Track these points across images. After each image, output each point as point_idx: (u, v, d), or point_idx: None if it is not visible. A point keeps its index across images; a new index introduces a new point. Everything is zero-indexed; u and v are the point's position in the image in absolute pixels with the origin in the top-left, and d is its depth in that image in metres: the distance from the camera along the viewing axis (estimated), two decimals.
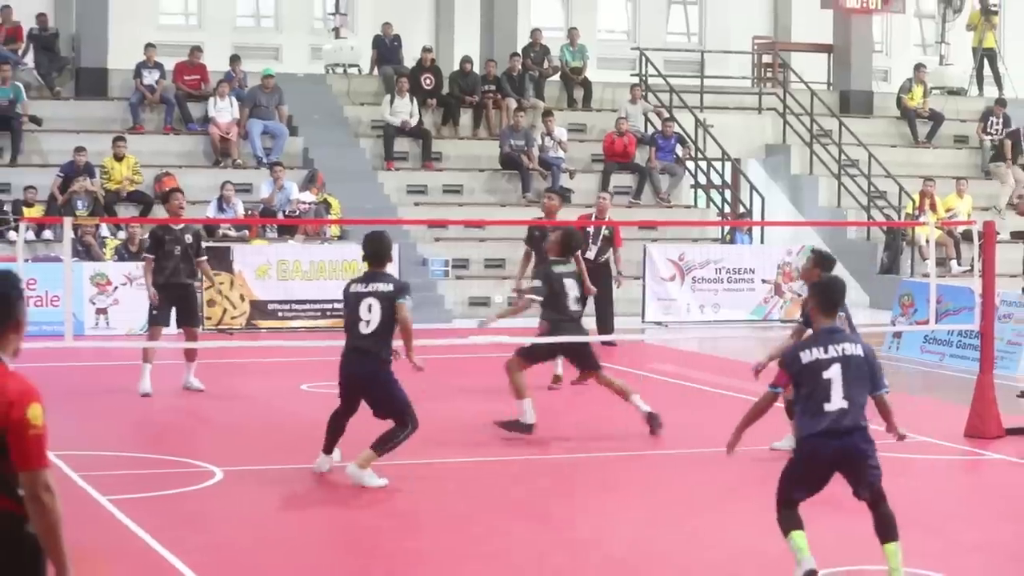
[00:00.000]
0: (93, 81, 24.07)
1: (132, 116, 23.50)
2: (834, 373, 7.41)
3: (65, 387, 14.09)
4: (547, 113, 24.72)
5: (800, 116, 26.56)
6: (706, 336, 20.45)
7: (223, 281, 19.17)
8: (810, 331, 9.82)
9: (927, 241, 18.00)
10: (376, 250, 10.24)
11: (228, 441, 12.25)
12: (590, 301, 17.76)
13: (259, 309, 19.83)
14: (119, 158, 21.87)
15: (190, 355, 14.46)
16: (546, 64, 26.33)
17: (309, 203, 21.94)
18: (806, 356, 7.48)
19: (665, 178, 24.89)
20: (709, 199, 25.64)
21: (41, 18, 24.32)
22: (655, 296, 21.29)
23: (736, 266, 21.72)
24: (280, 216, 21.62)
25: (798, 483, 7.57)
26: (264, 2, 30.01)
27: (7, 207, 20.80)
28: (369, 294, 10.00)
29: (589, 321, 17.76)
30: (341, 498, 10.00)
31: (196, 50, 24.48)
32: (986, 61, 29.09)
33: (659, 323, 21.11)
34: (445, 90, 25.30)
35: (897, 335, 17.70)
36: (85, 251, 19.98)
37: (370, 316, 9.87)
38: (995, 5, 29.49)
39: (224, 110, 23.43)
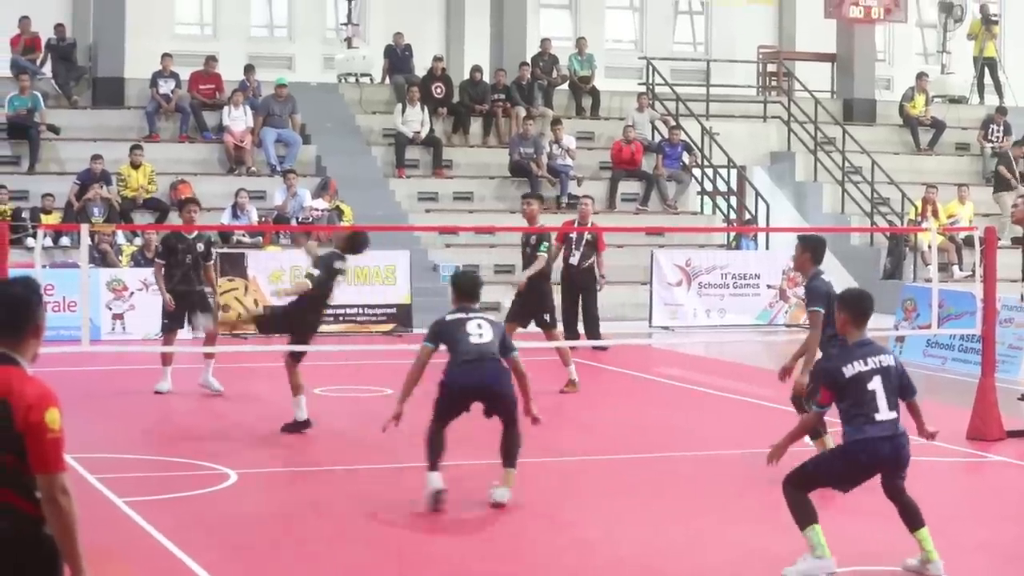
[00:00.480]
0: (110, 90, 24.30)
1: (148, 125, 23.72)
2: (877, 384, 7.74)
3: (82, 391, 14.16)
4: (556, 121, 24.94)
5: (804, 124, 26.72)
6: (712, 340, 20.53)
7: (236, 287, 19.40)
8: (816, 309, 10.04)
9: (929, 247, 18.17)
10: (471, 287, 10.13)
11: (242, 444, 12.30)
12: (580, 306, 18.03)
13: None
14: (136, 166, 22.10)
15: (208, 353, 14.67)
16: (555, 73, 26.52)
17: (322, 210, 22.17)
18: (849, 370, 7.74)
19: (672, 185, 25.13)
20: (715, 206, 25.86)
21: (59, 28, 24.53)
22: (662, 301, 21.50)
23: (742, 271, 21.89)
24: (293, 223, 21.79)
25: (839, 480, 7.94)
26: (278, 12, 30.23)
27: (25, 214, 20.94)
28: (473, 317, 9.82)
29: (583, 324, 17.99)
30: (354, 500, 10.05)
31: (211, 60, 24.68)
32: (987, 70, 29.22)
33: (666, 328, 21.30)
34: (455, 99, 25.51)
35: (900, 339, 17.81)
36: (101, 258, 20.17)
37: (480, 331, 9.70)
38: (995, 15, 29.68)
39: (238, 119, 23.68)
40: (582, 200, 18.47)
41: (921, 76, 28.18)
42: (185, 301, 14.61)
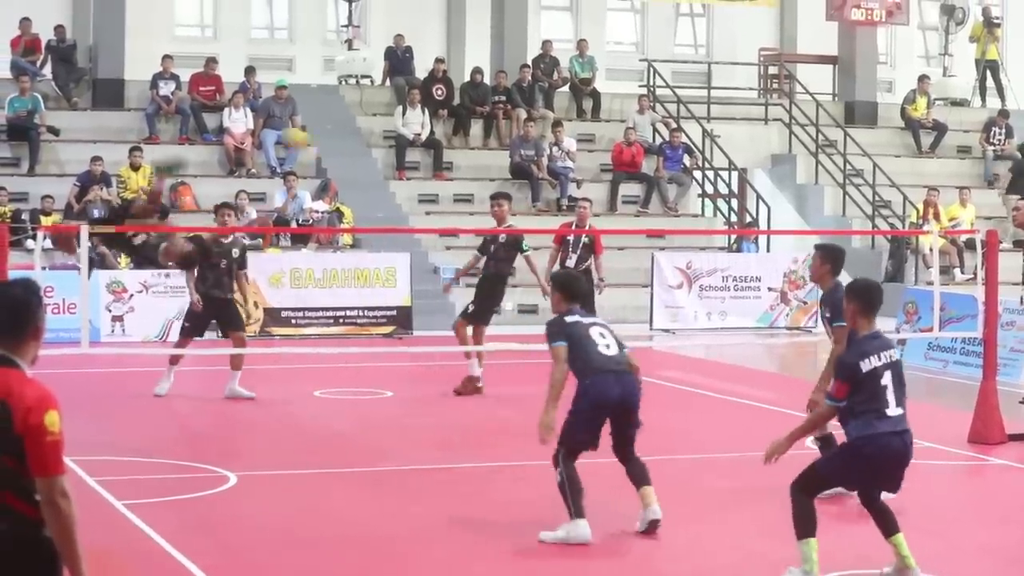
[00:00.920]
0: (110, 92, 24.31)
1: (148, 126, 23.72)
2: (888, 379, 7.56)
3: (81, 393, 14.13)
4: (556, 123, 24.94)
5: (806, 126, 26.73)
6: (713, 343, 20.51)
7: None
8: (842, 324, 9.35)
9: (931, 250, 18.15)
10: (579, 289, 9.55)
11: (242, 446, 12.30)
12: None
13: (273, 316, 19.99)
14: (135, 168, 22.11)
15: (236, 363, 14.28)
16: (555, 75, 26.53)
17: (322, 212, 22.19)
18: (865, 365, 7.51)
19: (673, 187, 25.12)
20: (716, 208, 25.86)
21: (59, 30, 24.54)
22: (663, 303, 21.50)
23: (743, 274, 21.89)
24: (293, 225, 21.83)
25: (849, 478, 7.83)
26: (278, 14, 30.27)
27: (25, 216, 20.97)
28: (592, 323, 9.30)
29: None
30: (355, 504, 10.06)
31: (211, 61, 24.69)
32: (988, 72, 29.24)
33: (667, 330, 21.32)
34: (456, 101, 25.53)
35: (902, 342, 17.79)
36: (99, 260, 20.15)
37: (605, 340, 9.18)
38: (997, 17, 29.69)
39: (239, 120, 23.69)
40: (580, 202, 18.35)
41: (923, 79, 28.19)
42: (212, 306, 14.24)
